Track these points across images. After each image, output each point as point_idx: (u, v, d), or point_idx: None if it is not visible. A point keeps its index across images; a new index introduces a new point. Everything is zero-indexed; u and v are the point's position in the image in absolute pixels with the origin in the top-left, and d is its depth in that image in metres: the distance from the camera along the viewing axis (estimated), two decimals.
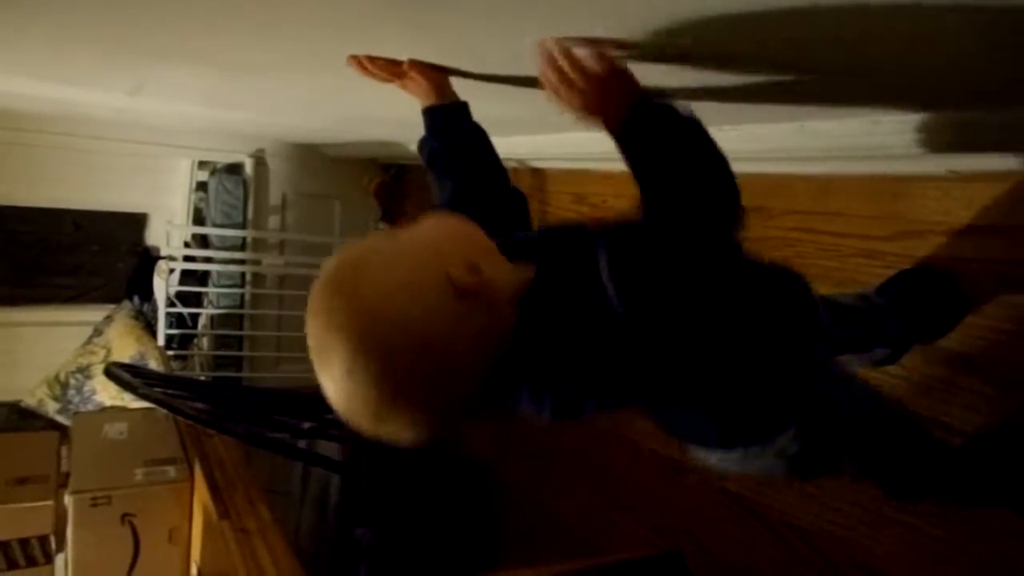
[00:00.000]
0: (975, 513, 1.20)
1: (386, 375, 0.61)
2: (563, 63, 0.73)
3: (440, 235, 0.69)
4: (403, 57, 1.01)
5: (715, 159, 0.71)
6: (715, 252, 0.70)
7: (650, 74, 0.77)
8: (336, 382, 0.62)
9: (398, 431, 0.64)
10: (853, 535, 1.39)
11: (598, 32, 0.74)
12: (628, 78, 0.73)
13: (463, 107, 1.02)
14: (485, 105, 1.44)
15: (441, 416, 0.66)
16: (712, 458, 0.91)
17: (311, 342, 0.64)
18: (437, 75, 1.00)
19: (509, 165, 2.87)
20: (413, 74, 0.99)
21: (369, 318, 0.61)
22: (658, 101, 0.73)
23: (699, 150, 0.71)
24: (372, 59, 1.00)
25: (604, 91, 0.72)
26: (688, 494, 1.76)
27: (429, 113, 1.00)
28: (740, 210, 0.70)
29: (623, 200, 2.02)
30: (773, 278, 0.87)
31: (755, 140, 1.33)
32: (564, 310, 0.68)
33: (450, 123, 1.00)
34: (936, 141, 1.05)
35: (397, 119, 1.89)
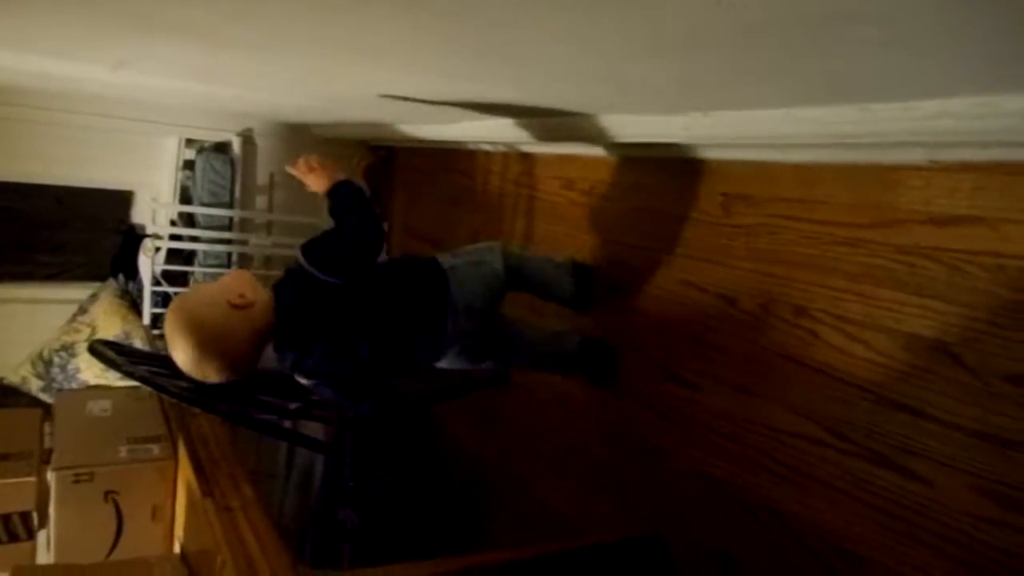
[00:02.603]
0: (947, 496, 1.23)
1: (204, 348, 1.28)
2: (312, 161, 1.59)
3: (228, 281, 1.39)
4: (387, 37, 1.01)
5: (367, 211, 1.52)
6: (361, 247, 1.48)
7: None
8: (182, 352, 1.29)
9: (212, 374, 1.30)
10: (829, 517, 1.41)
11: None
12: (334, 171, 1.58)
13: (342, 185, 1.57)
14: (474, 87, 1.43)
15: (233, 367, 1.32)
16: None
17: (169, 338, 1.31)
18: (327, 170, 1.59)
19: (499, 149, 2.85)
20: (315, 172, 1.59)
21: (196, 327, 1.29)
22: (347, 182, 1.56)
23: (361, 204, 1.53)
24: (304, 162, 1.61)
25: (326, 174, 1.57)
26: (668, 478, 1.79)
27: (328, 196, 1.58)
28: (379, 235, 1.50)
29: (609, 187, 2.03)
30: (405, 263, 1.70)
31: (740, 126, 1.34)
32: (298, 299, 1.41)
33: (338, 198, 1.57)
34: (920, 130, 1.06)
35: (385, 102, 1.88)
